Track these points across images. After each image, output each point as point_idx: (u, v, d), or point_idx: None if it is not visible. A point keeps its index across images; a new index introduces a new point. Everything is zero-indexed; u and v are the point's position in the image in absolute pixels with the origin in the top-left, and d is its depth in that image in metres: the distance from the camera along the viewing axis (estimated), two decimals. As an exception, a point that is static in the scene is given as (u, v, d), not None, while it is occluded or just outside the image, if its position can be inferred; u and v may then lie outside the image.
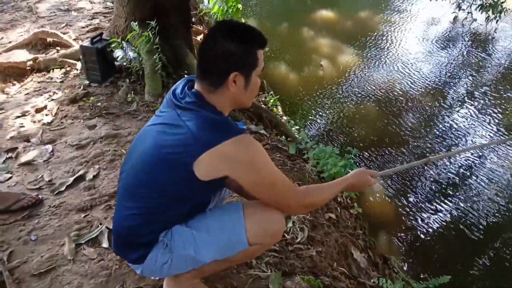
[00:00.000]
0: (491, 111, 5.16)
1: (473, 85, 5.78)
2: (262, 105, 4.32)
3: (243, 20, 4.67)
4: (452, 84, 5.80)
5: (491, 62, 6.59)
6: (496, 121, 4.96)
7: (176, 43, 3.91)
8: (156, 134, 1.43)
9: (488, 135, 4.69)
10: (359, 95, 5.10)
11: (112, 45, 3.61)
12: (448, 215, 3.52)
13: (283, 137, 3.72)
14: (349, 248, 2.51)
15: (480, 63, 6.51)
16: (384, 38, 6.77)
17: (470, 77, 5.96)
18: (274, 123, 3.95)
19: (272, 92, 4.80)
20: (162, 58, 3.59)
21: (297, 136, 3.85)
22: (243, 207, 1.50)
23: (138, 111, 3.13)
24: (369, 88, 5.24)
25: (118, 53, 3.60)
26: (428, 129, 4.67)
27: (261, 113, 4.02)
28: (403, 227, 3.35)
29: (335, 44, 6.16)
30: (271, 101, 4.57)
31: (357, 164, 3.77)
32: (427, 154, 4.24)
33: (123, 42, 3.73)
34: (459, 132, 4.68)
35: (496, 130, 4.79)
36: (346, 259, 2.43)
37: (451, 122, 4.84)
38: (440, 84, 5.67)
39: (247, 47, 1.38)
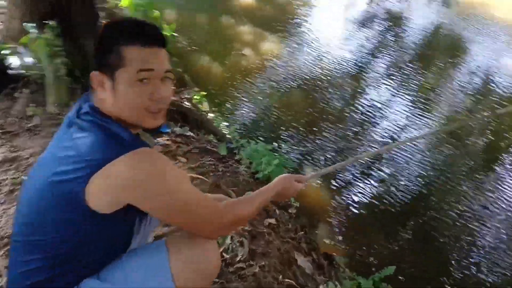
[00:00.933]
0: (409, 89, 5.29)
1: (392, 64, 5.90)
2: (186, 103, 4.04)
3: (156, 13, 4.31)
4: (372, 64, 5.87)
5: (406, 40, 6.80)
6: (414, 98, 5.10)
7: (83, 42, 3.49)
8: (46, 161, 1.15)
9: (410, 112, 4.80)
10: (285, 82, 4.96)
11: (4, 51, 3.12)
12: (384, 198, 3.51)
13: (212, 136, 3.48)
14: (292, 254, 2.35)
15: (397, 42, 6.69)
16: (303, 21, 6.70)
17: (388, 57, 6.08)
18: (200, 122, 3.69)
19: (196, 88, 4.51)
20: (67, 61, 3.17)
21: (227, 134, 3.62)
22: (166, 245, 1.24)
23: (41, 127, 2.71)
24: (294, 74, 5.13)
25: (12, 60, 3.12)
26: (354, 112, 4.65)
27: (185, 112, 3.74)
28: (342, 217, 3.27)
29: (256, 31, 5.97)
30: (196, 97, 4.28)
31: (293, 159, 3.63)
32: (357, 142, 4.21)
33: (18, 47, 3.25)
34: (384, 112, 4.74)
35: (415, 106, 4.93)
36: (290, 268, 2.26)
37: (376, 103, 4.89)
38: (361, 65, 5.70)
39: (107, 43, 1.14)
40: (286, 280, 2.12)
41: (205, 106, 4.27)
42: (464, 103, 5.22)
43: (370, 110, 4.70)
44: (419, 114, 4.79)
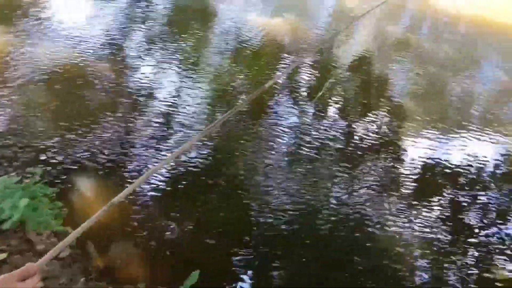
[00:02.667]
0: (172, 58, 5.12)
1: (149, 36, 5.59)
2: None
3: None
4: (129, 40, 5.44)
5: (154, 12, 6.47)
6: (179, 66, 4.98)
7: None
8: None
9: (181, 81, 4.67)
10: (28, 80, 4.13)
11: None
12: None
13: None
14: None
15: (148, 13, 6.31)
16: (36, 8, 5.65)
17: (143, 30, 5.73)
18: None
19: None
20: None
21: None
22: None
23: None
24: (38, 69, 4.32)
25: None
26: (126, 97, 4.25)
27: None
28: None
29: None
30: None
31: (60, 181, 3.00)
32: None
33: None
34: (158, 90, 4.51)
35: (184, 74, 4.83)
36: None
37: (146, 83, 4.61)
38: (117, 44, 5.23)
39: None
40: None
41: None
42: (222, 64, 5.32)
43: (143, 93, 4.40)
44: (190, 80, 4.75)
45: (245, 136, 4.11)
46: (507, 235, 3.48)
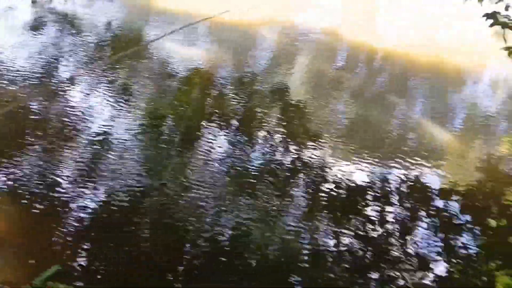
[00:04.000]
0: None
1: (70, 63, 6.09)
2: None
3: None
4: (52, 67, 5.92)
5: (83, 37, 7.04)
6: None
7: None
8: None
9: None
10: None
11: None
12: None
13: None
14: None
15: (74, 40, 6.86)
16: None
17: (66, 56, 6.24)
18: None
19: None
20: None
21: None
22: None
23: None
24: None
25: None
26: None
27: None
28: None
29: None
30: None
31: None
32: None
33: None
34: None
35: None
36: None
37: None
38: (44, 71, 5.71)
39: None
40: None
41: None
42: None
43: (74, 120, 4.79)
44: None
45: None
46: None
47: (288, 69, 7.05)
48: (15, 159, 3.94)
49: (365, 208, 4.21)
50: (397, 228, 4.02)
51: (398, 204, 4.32)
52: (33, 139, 4.31)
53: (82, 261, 3.08)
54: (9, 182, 3.65)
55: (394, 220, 4.10)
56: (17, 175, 3.76)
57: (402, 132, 5.75)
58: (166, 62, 6.56)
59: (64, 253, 3.07)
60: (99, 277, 3.00)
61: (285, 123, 5.44)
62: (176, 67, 6.51)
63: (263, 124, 5.33)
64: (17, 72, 5.48)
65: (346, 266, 3.52)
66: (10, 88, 5.13)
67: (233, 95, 5.98)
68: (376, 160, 4.86)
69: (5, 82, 5.22)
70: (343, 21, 9.46)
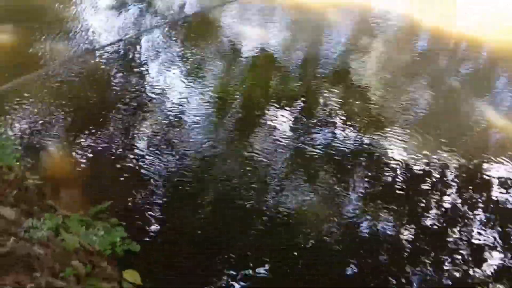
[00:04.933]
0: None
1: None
2: None
3: None
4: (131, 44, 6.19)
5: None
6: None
7: None
8: None
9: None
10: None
11: None
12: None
13: None
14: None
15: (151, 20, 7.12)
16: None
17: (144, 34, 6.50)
18: None
19: None
20: None
21: None
22: None
23: None
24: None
25: None
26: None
27: None
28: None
29: None
30: None
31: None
32: None
33: None
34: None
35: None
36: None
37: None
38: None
39: None
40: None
41: None
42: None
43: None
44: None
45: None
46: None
47: (362, 54, 6.82)
48: (97, 128, 4.28)
49: (428, 199, 4.05)
50: (465, 222, 3.84)
51: (465, 197, 4.15)
52: (114, 110, 4.63)
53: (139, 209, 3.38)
54: (93, 145, 4.06)
55: (461, 213, 3.96)
56: (99, 140, 4.13)
57: (482, 128, 5.36)
58: (236, 43, 6.63)
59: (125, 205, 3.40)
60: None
61: (353, 108, 5.30)
62: (246, 47, 6.54)
63: (330, 107, 5.24)
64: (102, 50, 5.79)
65: (404, 253, 3.43)
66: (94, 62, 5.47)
67: (301, 77, 5.93)
68: (449, 153, 4.61)
69: (89, 57, 5.56)
70: (422, 5, 8.92)
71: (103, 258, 2.74)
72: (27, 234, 2.45)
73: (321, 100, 5.40)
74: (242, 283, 3.03)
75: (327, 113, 5.14)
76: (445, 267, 3.46)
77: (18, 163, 3.33)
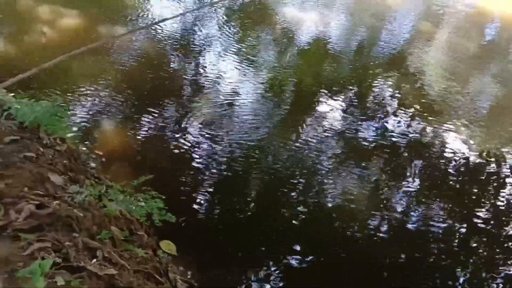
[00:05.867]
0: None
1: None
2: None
3: None
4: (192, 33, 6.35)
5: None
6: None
7: None
8: None
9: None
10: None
11: None
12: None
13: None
14: (46, 175, 2.78)
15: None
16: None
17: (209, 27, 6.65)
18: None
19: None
20: None
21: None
22: None
23: None
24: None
25: None
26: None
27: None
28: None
29: (56, 9, 6.13)
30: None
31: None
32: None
33: None
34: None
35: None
36: (43, 184, 2.70)
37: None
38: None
39: None
40: (35, 191, 2.55)
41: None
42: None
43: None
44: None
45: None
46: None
47: (427, 42, 6.51)
48: (149, 105, 4.44)
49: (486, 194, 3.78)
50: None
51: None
52: (166, 89, 4.77)
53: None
54: (143, 122, 4.24)
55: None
56: (150, 118, 4.31)
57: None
58: (291, 29, 6.56)
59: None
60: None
61: (412, 99, 5.08)
62: (301, 35, 6.46)
63: (387, 95, 5.06)
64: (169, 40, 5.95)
65: (454, 248, 3.23)
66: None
67: (358, 64, 5.78)
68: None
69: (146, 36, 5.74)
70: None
71: (141, 227, 2.83)
72: (70, 199, 2.57)
73: (378, 89, 5.23)
74: (276, 271, 3.01)
75: (383, 102, 4.97)
76: (498, 266, 3.23)
77: (71, 135, 3.50)
